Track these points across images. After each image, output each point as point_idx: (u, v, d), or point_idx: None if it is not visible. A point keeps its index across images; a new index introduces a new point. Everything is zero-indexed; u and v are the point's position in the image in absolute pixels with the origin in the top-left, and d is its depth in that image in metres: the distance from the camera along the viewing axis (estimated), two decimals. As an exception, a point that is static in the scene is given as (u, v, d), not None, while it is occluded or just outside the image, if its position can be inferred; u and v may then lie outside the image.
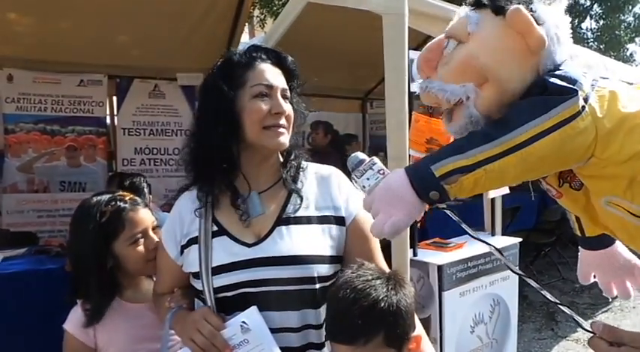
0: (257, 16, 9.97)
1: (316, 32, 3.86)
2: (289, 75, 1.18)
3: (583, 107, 0.81)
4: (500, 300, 2.83)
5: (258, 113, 1.10)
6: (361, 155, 0.95)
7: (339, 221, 1.16)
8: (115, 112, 4.30)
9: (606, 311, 4.50)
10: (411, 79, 2.18)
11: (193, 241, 1.13)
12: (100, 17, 3.39)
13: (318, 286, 1.10)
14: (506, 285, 2.83)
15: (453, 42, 0.95)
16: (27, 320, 2.31)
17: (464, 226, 0.95)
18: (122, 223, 1.32)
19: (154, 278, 1.31)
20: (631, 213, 0.87)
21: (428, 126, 2.49)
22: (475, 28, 0.93)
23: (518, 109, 0.86)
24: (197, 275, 1.10)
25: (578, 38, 12.41)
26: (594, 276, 1.23)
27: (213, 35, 3.89)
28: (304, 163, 1.22)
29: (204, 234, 1.11)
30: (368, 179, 0.92)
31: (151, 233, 1.36)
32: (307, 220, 1.14)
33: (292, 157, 1.20)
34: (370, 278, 1.00)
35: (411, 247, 2.55)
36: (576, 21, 13.41)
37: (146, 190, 2.90)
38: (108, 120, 4.30)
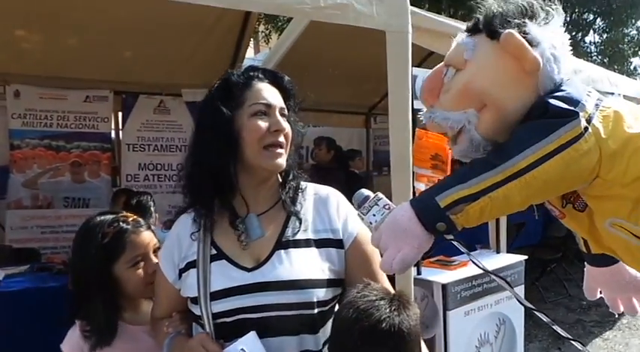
0: (262, 32, 10.06)
1: (320, 48, 3.90)
2: (286, 94, 1.18)
3: (586, 128, 0.80)
4: (505, 319, 2.78)
5: (258, 131, 1.09)
6: (366, 192, 0.95)
7: (338, 244, 1.15)
8: (120, 128, 4.33)
9: (614, 329, 4.43)
10: (414, 96, 2.18)
11: (192, 265, 1.11)
12: (106, 34, 3.43)
13: (316, 311, 1.08)
14: (511, 304, 2.79)
15: (451, 70, 0.96)
16: (28, 338, 2.29)
17: (472, 258, 0.93)
18: (123, 245, 1.31)
19: (154, 300, 1.30)
20: (635, 236, 0.86)
21: (432, 143, 2.48)
22: (471, 55, 0.93)
23: (519, 135, 0.85)
24: (195, 300, 1.08)
25: (582, 52, 12.43)
26: (600, 292, 1.22)
27: (219, 51, 3.93)
28: (303, 184, 1.21)
29: (202, 257, 1.09)
30: (374, 215, 0.92)
31: (151, 256, 1.34)
32: (306, 243, 1.12)
33: (291, 178, 1.19)
34: (374, 298, 0.98)
35: (415, 266, 2.53)
36: (580, 35, 13.46)
37: (152, 209, 2.90)
38: (113, 136, 4.33)
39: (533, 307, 0.95)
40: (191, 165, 1.14)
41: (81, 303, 1.32)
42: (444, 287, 2.46)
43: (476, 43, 0.94)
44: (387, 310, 0.96)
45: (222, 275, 1.08)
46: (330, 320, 1.11)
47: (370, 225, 0.92)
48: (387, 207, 0.92)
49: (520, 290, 2.94)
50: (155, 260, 1.31)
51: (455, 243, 0.93)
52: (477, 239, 3.43)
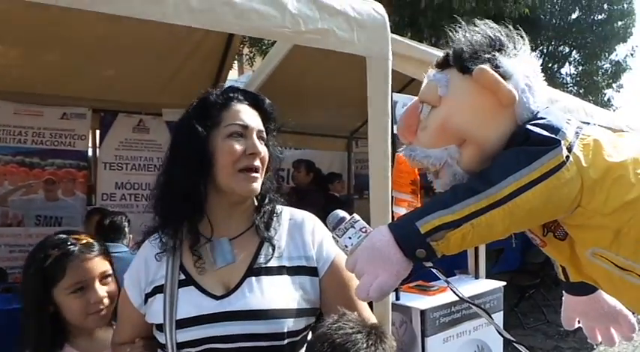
0: (246, 55, 10.14)
1: (303, 71, 3.92)
2: (266, 117, 1.15)
3: (567, 157, 0.81)
4: (484, 346, 2.76)
5: (232, 154, 1.06)
6: (341, 213, 0.92)
7: (312, 272, 1.11)
8: (98, 146, 4.25)
9: (592, 356, 4.44)
10: (394, 121, 2.19)
11: (158, 290, 1.07)
12: (86, 51, 3.39)
13: (286, 342, 1.04)
14: (490, 331, 2.77)
15: (426, 106, 0.96)
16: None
17: (452, 287, 0.91)
18: (63, 270, 1.21)
19: (116, 324, 1.24)
20: (616, 266, 0.86)
21: (411, 168, 2.49)
22: (446, 91, 0.94)
23: (502, 162, 0.85)
24: (160, 328, 1.04)
25: (558, 83, 12.83)
26: (579, 322, 1.21)
27: (201, 72, 3.92)
28: (279, 208, 1.18)
29: (170, 282, 1.05)
30: (350, 238, 0.88)
31: (96, 285, 1.25)
32: (279, 271, 1.08)
33: (266, 202, 1.16)
34: (350, 331, 0.94)
35: (393, 291, 2.50)
36: (556, 66, 13.92)
37: (127, 230, 2.82)
38: (90, 154, 4.24)
39: (513, 338, 0.93)
40: (162, 184, 1.11)
41: (23, 328, 1.24)
42: (422, 313, 2.44)
43: (448, 79, 0.94)
44: (364, 345, 0.93)
45: (189, 303, 1.03)
46: (302, 351, 1.07)
47: (345, 249, 0.89)
48: (363, 229, 0.88)
49: (499, 316, 2.94)
50: (100, 291, 1.24)
51: (434, 270, 0.90)
52: (456, 264, 3.43)
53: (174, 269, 1.07)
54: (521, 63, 0.94)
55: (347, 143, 6.16)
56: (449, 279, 0.92)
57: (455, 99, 0.93)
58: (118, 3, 1.37)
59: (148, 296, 1.09)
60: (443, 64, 0.97)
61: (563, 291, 1.20)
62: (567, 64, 14.40)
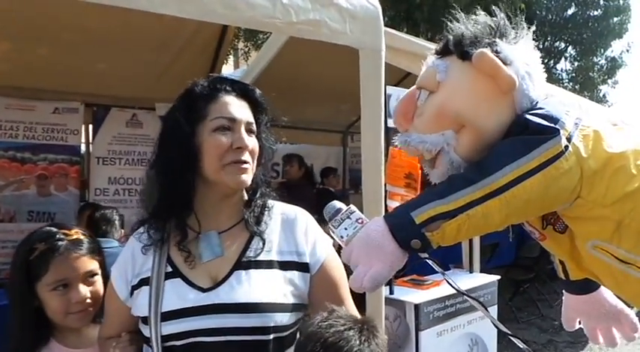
0: (241, 49, 10.09)
1: (298, 66, 3.90)
2: (257, 108, 1.12)
3: (566, 147, 0.79)
4: (478, 340, 2.76)
5: (218, 148, 1.03)
6: (338, 204, 0.91)
7: (303, 267, 1.09)
8: (91, 141, 4.22)
9: (585, 350, 4.45)
10: (388, 114, 2.18)
11: (144, 282, 1.05)
12: (79, 44, 3.36)
13: (272, 337, 1.02)
14: (484, 325, 2.78)
15: (424, 92, 0.95)
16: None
17: (447, 278, 0.90)
18: (46, 266, 1.17)
19: (103, 318, 1.21)
20: (617, 259, 0.84)
21: (406, 161, 2.48)
22: (444, 77, 0.92)
23: (499, 151, 0.83)
24: (145, 321, 1.02)
25: (554, 79, 12.84)
26: (579, 322, 1.19)
27: (195, 65, 3.89)
28: (270, 202, 1.15)
29: (156, 275, 1.03)
30: (346, 229, 0.88)
31: (80, 284, 1.20)
32: (268, 265, 1.07)
33: (257, 196, 1.13)
34: (342, 328, 0.92)
35: (387, 284, 2.50)
36: (552, 62, 13.92)
37: (117, 223, 2.80)
38: (82, 149, 4.21)
39: (508, 331, 0.92)
40: (150, 178, 1.09)
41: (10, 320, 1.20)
42: (416, 307, 2.44)
43: (448, 65, 0.93)
44: (357, 342, 0.91)
45: (176, 295, 1.01)
46: (291, 349, 1.05)
47: (341, 239, 0.88)
48: (359, 220, 0.88)
49: (493, 310, 2.94)
50: (83, 290, 1.21)
51: (430, 261, 0.89)
52: (450, 259, 3.43)
53: (161, 262, 1.05)
54: (522, 50, 0.92)
55: (342, 137, 6.16)
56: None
57: (453, 84, 0.91)
58: (104, -9, 1.34)
59: (133, 288, 1.08)
60: (443, 52, 0.96)
61: (564, 290, 1.18)
62: (563, 59, 14.40)
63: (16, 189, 3.75)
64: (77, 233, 1.26)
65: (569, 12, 13.61)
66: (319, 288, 1.10)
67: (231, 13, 1.49)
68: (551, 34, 13.49)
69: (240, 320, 0.99)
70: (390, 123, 2.14)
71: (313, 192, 4.92)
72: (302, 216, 1.16)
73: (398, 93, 2.42)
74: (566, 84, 13.80)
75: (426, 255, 0.85)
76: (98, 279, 1.25)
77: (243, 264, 1.05)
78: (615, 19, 13.23)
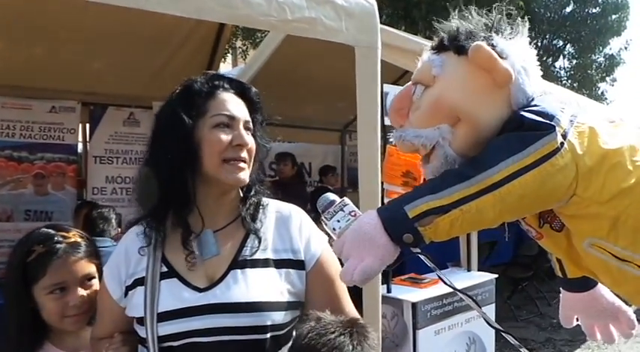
0: (239, 47, 10.08)
1: (296, 64, 3.89)
2: (253, 107, 1.12)
3: (562, 143, 0.79)
4: (476, 338, 2.76)
5: (219, 144, 1.03)
6: (332, 196, 0.90)
7: (299, 265, 1.09)
8: (88, 139, 4.21)
9: (584, 348, 4.46)
10: (385, 112, 2.17)
11: (139, 282, 1.04)
12: (75, 43, 3.35)
13: (269, 335, 1.02)
14: (482, 323, 2.77)
15: (420, 87, 0.94)
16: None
17: (440, 275, 0.89)
18: (44, 269, 1.15)
19: (96, 318, 1.20)
20: (615, 256, 0.84)
21: (403, 160, 2.48)
22: (440, 71, 0.92)
23: (494, 146, 0.83)
24: (141, 321, 1.01)
25: (552, 76, 12.84)
26: (577, 319, 1.19)
27: (192, 63, 3.88)
28: (265, 200, 1.15)
29: (151, 275, 1.02)
30: (338, 221, 0.87)
31: (77, 288, 1.19)
32: (265, 263, 1.06)
33: (252, 193, 1.13)
34: (333, 336, 0.91)
35: (385, 283, 2.49)
36: (550, 60, 13.93)
37: (114, 222, 2.80)
38: (80, 148, 4.20)
39: (501, 328, 0.92)
40: (145, 175, 1.08)
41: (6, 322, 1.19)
42: (414, 305, 2.43)
43: (443, 60, 0.92)
44: (350, 347, 0.90)
45: (172, 295, 1.01)
46: (287, 347, 1.05)
47: (333, 232, 0.87)
48: (352, 213, 0.87)
49: (491, 308, 2.94)
50: (81, 293, 1.20)
51: (422, 257, 0.88)
52: (448, 257, 3.42)
53: (156, 261, 1.04)
54: (519, 46, 0.92)
55: (340, 136, 6.14)
56: (442, 271, 0.90)
57: (449, 77, 0.91)
58: (99, -10, 1.34)
59: (128, 288, 1.07)
60: (438, 47, 0.95)
61: (561, 288, 1.18)
62: (562, 57, 14.42)
63: (13, 188, 3.74)
64: (75, 235, 1.25)
65: (568, 9, 13.62)
66: (315, 285, 1.09)
67: (226, 10, 1.49)
68: (549, 32, 13.50)
69: (237, 319, 0.99)
70: (387, 121, 2.14)
71: (307, 190, 4.96)
72: (296, 213, 1.16)
73: (395, 91, 2.41)
74: (564, 81, 13.81)
75: (418, 250, 0.84)
76: (95, 283, 1.24)
77: (240, 263, 1.05)
78: (614, 16, 13.24)
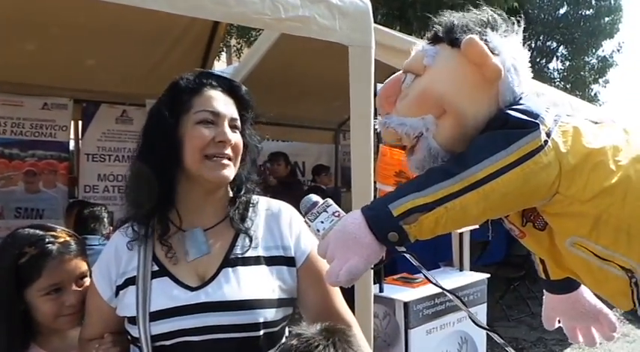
0: (234, 46, 10.04)
1: (290, 63, 3.88)
2: (242, 105, 1.11)
3: (545, 141, 0.80)
4: (467, 338, 2.77)
5: (200, 139, 1.02)
6: (314, 197, 0.90)
7: (289, 262, 1.09)
8: (80, 137, 4.18)
9: (575, 347, 4.49)
10: (377, 112, 2.17)
11: (131, 282, 1.04)
12: (68, 40, 3.32)
13: (262, 332, 1.02)
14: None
15: (410, 76, 0.94)
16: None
17: (425, 273, 0.89)
18: (39, 271, 1.14)
19: (85, 319, 1.18)
20: (596, 255, 0.85)
21: (396, 160, 2.48)
22: (431, 61, 0.92)
23: (478, 144, 0.83)
24: (133, 321, 1.00)
25: (545, 78, 12.90)
26: (559, 321, 1.20)
27: (186, 61, 3.86)
28: (255, 198, 1.15)
29: (142, 274, 1.02)
30: (322, 222, 0.86)
31: (72, 286, 1.18)
32: (256, 261, 1.06)
33: (242, 192, 1.13)
34: (317, 350, 0.87)
35: (377, 282, 2.50)
36: (543, 61, 14.00)
37: (106, 221, 2.78)
38: (72, 145, 4.17)
39: (487, 327, 0.92)
40: (132, 172, 1.08)
41: None
42: (405, 305, 2.44)
43: (437, 51, 0.93)
44: None
45: (164, 294, 1.00)
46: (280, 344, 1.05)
47: (317, 233, 0.87)
48: (336, 214, 0.86)
49: (482, 308, 2.95)
50: (77, 292, 1.18)
51: (407, 256, 0.88)
52: (440, 256, 3.43)
53: (147, 260, 1.04)
54: (512, 45, 0.92)
55: (334, 135, 6.14)
56: (432, 271, 0.90)
57: (439, 68, 0.91)
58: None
59: (119, 288, 1.06)
60: (433, 39, 0.96)
61: (544, 290, 1.19)
62: (555, 59, 14.49)
63: (3, 186, 3.72)
64: (64, 234, 1.23)
65: (561, 11, 13.70)
66: (306, 281, 1.09)
67: (220, 8, 1.49)
68: (543, 34, 13.57)
69: (229, 317, 0.99)
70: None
71: (304, 189, 4.97)
72: (286, 210, 1.16)
73: (389, 90, 2.42)
74: (557, 83, 13.88)
75: (404, 249, 0.84)
76: (88, 280, 1.22)
77: (231, 261, 1.05)
78: (607, 18, 13.33)
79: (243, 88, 1.13)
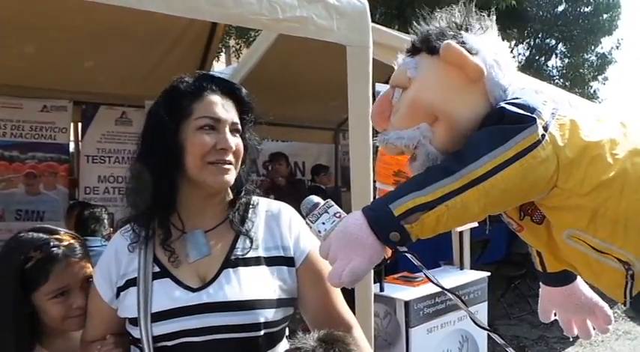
0: (233, 46, 10.04)
1: (289, 63, 3.88)
2: (242, 107, 1.11)
3: (543, 135, 0.80)
4: (468, 336, 2.78)
5: (202, 147, 1.02)
6: (315, 198, 0.90)
7: (289, 262, 1.10)
8: (80, 139, 4.19)
9: (576, 345, 4.49)
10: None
11: (132, 283, 1.04)
12: (67, 42, 3.32)
13: (262, 332, 1.02)
14: (474, 321, 2.79)
15: (398, 90, 0.96)
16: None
17: (426, 273, 0.90)
18: (46, 275, 1.14)
19: (86, 321, 1.19)
20: (593, 248, 0.85)
21: (395, 159, 2.48)
22: (415, 72, 0.94)
23: (476, 141, 0.84)
24: (135, 322, 1.01)
25: (544, 75, 12.90)
26: (555, 314, 1.21)
27: (184, 63, 3.86)
28: (255, 199, 1.15)
29: (143, 275, 1.02)
30: (323, 223, 0.86)
31: (79, 289, 1.18)
32: (256, 262, 1.06)
33: (242, 194, 1.13)
34: None
35: (377, 282, 2.50)
36: (542, 59, 14.01)
37: (106, 222, 2.79)
38: (72, 147, 4.17)
39: (487, 327, 0.92)
40: (133, 174, 1.08)
41: None
42: (406, 304, 2.44)
43: (417, 62, 0.94)
44: None
45: (165, 295, 1.01)
46: (281, 343, 1.05)
47: (319, 234, 0.87)
48: (337, 215, 0.86)
49: (483, 306, 2.95)
50: (83, 294, 1.18)
51: (409, 255, 0.88)
52: (441, 255, 3.44)
53: (148, 262, 1.04)
54: (489, 41, 0.94)
55: (334, 135, 6.13)
56: (432, 270, 0.90)
57: (424, 77, 0.92)
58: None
59: (120, 289, 1.06)
60: (412, 50, 0.98)
61: (540, 283, 1.19)
62: (554, 56, 14.50)
63: (4, 188, 3.73)
64: (68, 237, 1.23)
65: (560, 9, 13.70)
66: (306, 281, 1.09)
67: (217, 10, 1.49)
68: (541, 31, 13.57)
69: (230, 318, 0.99)
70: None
71: (305, 188, 5.01)
72: (286, 211, 1.16)
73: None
74: (556, 80, 13.88)
75: (405, 249, 0.84)
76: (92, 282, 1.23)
77: (232, 262, 1.05)
78: (605, 15, 13.33)
79: (243, 90, 1.13)
